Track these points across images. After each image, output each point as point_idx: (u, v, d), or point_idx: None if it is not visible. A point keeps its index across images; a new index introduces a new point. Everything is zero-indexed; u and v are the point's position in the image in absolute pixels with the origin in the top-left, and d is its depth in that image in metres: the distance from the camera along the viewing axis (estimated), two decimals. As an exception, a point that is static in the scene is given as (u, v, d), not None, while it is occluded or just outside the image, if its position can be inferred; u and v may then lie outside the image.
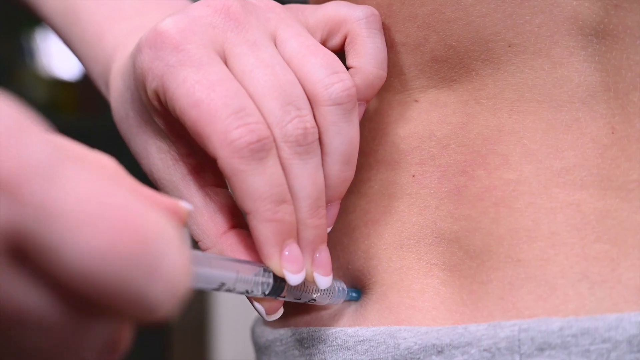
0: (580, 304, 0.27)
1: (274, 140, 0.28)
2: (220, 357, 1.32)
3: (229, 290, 0.27)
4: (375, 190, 0.33)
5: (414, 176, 0.32)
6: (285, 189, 0.28)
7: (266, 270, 0.29)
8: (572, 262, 0.28)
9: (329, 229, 0.31)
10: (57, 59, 1.61)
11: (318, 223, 0.29)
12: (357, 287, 0.33)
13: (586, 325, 0.27)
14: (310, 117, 0.28)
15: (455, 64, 0.31)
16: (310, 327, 0.33)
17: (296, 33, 0.30)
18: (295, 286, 0.29)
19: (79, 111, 1.59)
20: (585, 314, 0.27)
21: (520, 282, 0.28)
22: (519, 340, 0.27)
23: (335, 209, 0.31)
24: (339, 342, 0.31)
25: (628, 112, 0.29)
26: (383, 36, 0.32)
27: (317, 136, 0.29)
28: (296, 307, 0.35)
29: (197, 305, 1.44)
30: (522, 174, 0.30)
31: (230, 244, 0.30)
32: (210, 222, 0.30)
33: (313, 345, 0.32)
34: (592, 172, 0.29)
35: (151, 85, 0.29)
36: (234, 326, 1.31)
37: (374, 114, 0.34)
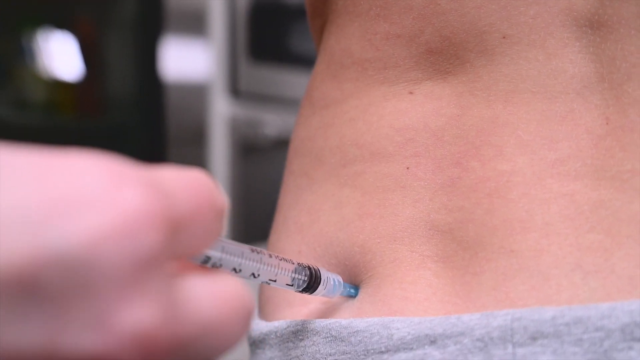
0: (573, 294, 0.27)
1: None
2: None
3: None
4: (369, 183, 0.33)
5: (408, 168, 0.32)
6: None
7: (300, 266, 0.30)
8: (565, 252, 0.28)
9: None
10: (57, 60, 1.61)
11: None
12: (356, 284, 0.33)
13: (579, 314, 0.27)
14: None
15: (450, 55, 0.31)
16: (305, 320, 0.33)
17: None
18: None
19: (77, 112, 1.59)
20: (579, 304, 0.27)
21: (514, 272, 0.28)
22: (511, 329, 0.27)
23: None
24: (333, 334, 0.31)
25: (622, 103, 0.29)
26: None
27: None
28: (291, 301, 0.35)
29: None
30: (516, 165, 0.30)
31: None
32: None
33: (307, 337, 0.32)
34: (587, 163, 0.29)
35: None
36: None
37: (369, 106, 0.34)
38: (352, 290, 0.33)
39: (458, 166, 0.31)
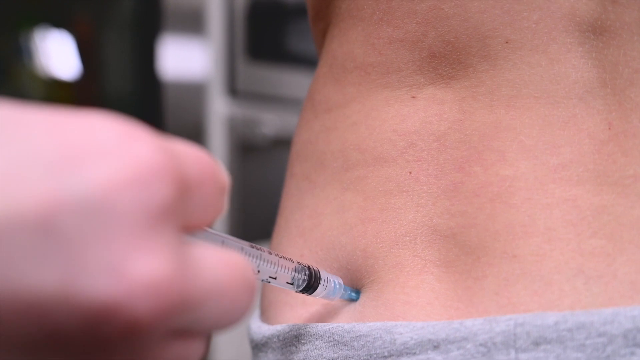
0: (575, 299, 0.27)
1: None
2: (218, 357, 1.32)
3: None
4: (372, 187, 0.33)
5: (410, 173, 0.32)
6: None
7: (301, 265, 0.30)
8: (567, 257, 0.28)
9: None
10: (54, 59, 1.61)
11: None
12: (358, 288, 0.33)
13: (582, 319, 0.27)
14: None
15: (453, 60, 0.31)
16: (307, 323, 0.33)
17: None
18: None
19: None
20: (581, 309, 0.27)
21: (516, 277, 0.28)
22: (514, 334, 0.27)
23: None
24: (336, 338, 0.31)
25: (625, 108, 0.29)
26: None
27: None
28: (293, 304, 0.35)
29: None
30: (518, 170, 0.30)
31: None
32: None
33: (310, 341, 0.32)
34: (589, 168, 0.29)
35: None
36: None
37: (371, 110, 0.34)
38: (354, 294, 0.33)
39: (460, 171, 0.31)
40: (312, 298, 0.33)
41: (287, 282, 0.29)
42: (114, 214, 0.17)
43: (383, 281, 0.32)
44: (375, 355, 0.29)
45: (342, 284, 0.32)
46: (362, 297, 0.33)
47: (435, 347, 0.28)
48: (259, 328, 0.36)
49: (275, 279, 0.28)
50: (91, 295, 0.17)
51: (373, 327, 0.30)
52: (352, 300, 0.33)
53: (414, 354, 0.29)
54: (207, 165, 0.21)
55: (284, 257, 0.29)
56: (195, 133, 1.41)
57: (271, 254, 0.28)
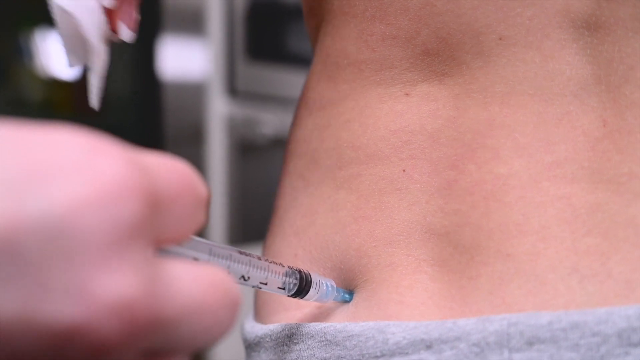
0: (570, 299, 0.27)
1: None
2: (216, 357, 1.32)
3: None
4: (365, 185, 0.33)
5: (404, 171, 0.32)
6: None
7: (292, 269, 0.30)
8: (562, 256, 0.28)
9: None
10: (54, 59, 1.61)
11: None
12: (351, 288, 0.33)
13: (575, 319, 0.26)
14: None
15: (447, 57, 0.31)
16: (299, 323, 0.33)
17: None
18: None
19: (75, 111, 1.59)
20: (576, 308, 0.27)
21: (510, 276, 0.28)
22: (508, 334, 0.27)
23: None
24: (328, 338, 0.31)
25: (620, 105, 0.29)
26: None
27: None
28: (287, 305, 0.35)
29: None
30: (512, 167, 0.29)
31: None
32: None
33: (302, 341, 0.31)
34: (583, 166, 0.29)
35: None
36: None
37: (365, 107, 0.34)
38: (347, 296, 0.32)
39: (454, 169, 0.30)
40: (303, 300, 0.33)
41: (279, 287, 0.29)
42: (77, 234, 0.16)
43: (376, 281, 0.31)
44: (367, 355, 0.29)
45: (335, 286, 0.32)
46: (356, 297, 0.32)
47: (428, 347, 0.28)
48: (252, 328, 0.36)
49: (266, 284, 0.28)
50: (56, 318, 0.16)
51: (365, 326, 0.30)
52: (346, 301, 0.33)
53: (407, 354, 0.28)
54: (183, 177, 0.20)
55: (274, 262, 0.28)
56: (194, 133, 1.41)
57: (261, 259, 0.28)
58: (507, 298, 0.28)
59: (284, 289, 0.29)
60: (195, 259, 0.23)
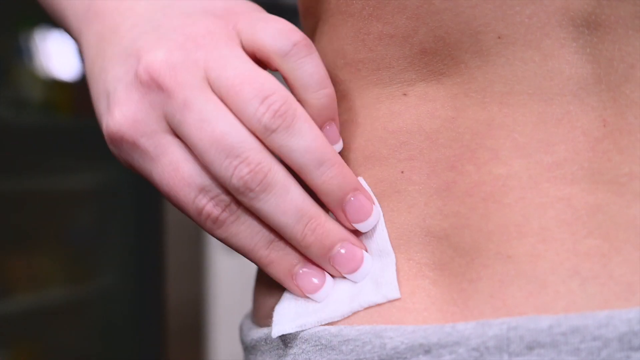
0: (571, 301, 0.27)
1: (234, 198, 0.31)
2: (216, 357, 1.32)
3: None
4: None
5: (402, 172, 0.31)
6: (266, 232, 0.31)
7: None
8: (562, 258, 0.27)
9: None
10: (54, 59, 1.60)
11: (313, 239, 0.31)
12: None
13: (576, 323, 0.26)
14: (253, 153, 0.30)
15: (445, 56, 0.31)
16: None
17: (223, 66, 0.30)
18: None
19: (75, 111, 1.58)
20: (576, 311, 0.26)
21: (511, 279, 0.28)
22: (507, 338, 0.26)
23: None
24: (322, 342, 0.30)
25: (620, 105, 0.28)
26: (314, 55, 0.32)
27: (270, 166, 0.30)
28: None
29: (193, 305, 1.43)
30: (511, 168, 0.29)
31: None
32: None
33: (297, 345, 0.31)
34: (583, 166, 0.28)
35: (124, 164, 0.34)
36: (229, 326, 1.30)
37: (362, 108, 0.33)
38: None
39: (453, 170, 0.30)
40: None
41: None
42: None
43: None
44: None
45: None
46: None
47: (427, 351, 0.27)
48: (249, 330, 0.36)
49: None
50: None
51: (362, 330, 0.29)
52: None
53: (405, 359, 0.28)
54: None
55: None
56: (195, 133, 1.41)
57: None
58: (507, 300, 0.27)
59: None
60: None
